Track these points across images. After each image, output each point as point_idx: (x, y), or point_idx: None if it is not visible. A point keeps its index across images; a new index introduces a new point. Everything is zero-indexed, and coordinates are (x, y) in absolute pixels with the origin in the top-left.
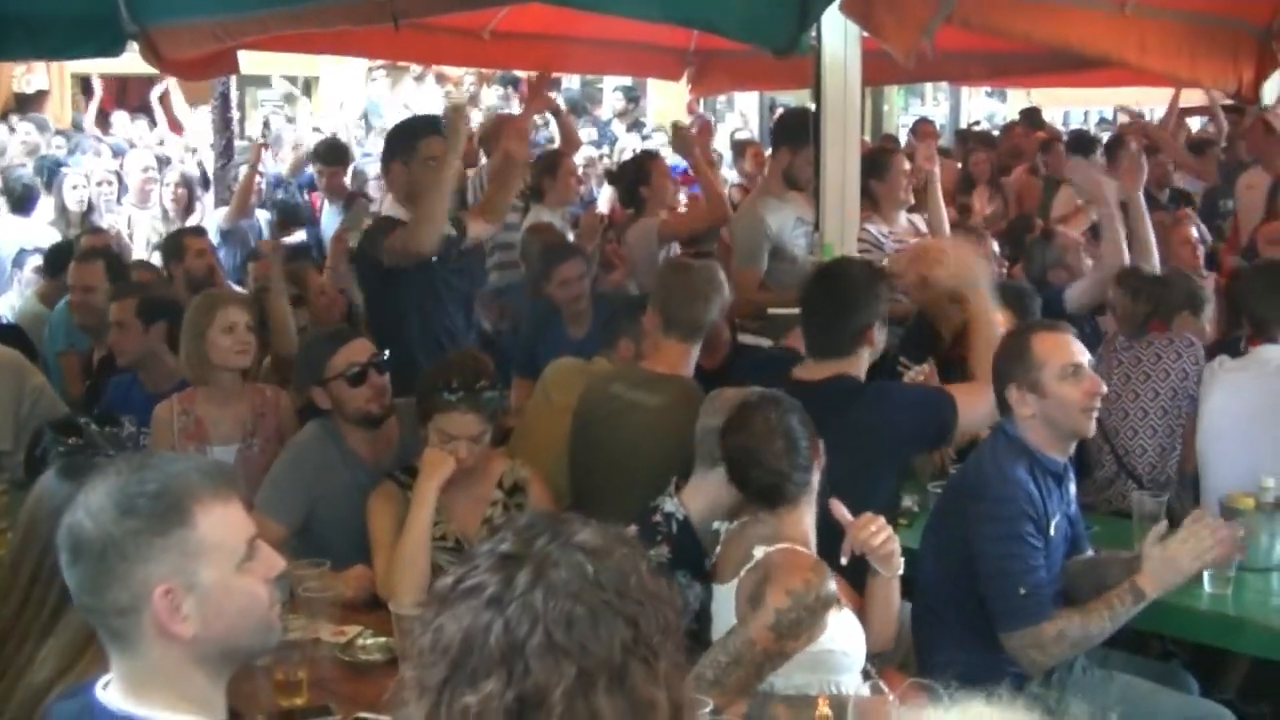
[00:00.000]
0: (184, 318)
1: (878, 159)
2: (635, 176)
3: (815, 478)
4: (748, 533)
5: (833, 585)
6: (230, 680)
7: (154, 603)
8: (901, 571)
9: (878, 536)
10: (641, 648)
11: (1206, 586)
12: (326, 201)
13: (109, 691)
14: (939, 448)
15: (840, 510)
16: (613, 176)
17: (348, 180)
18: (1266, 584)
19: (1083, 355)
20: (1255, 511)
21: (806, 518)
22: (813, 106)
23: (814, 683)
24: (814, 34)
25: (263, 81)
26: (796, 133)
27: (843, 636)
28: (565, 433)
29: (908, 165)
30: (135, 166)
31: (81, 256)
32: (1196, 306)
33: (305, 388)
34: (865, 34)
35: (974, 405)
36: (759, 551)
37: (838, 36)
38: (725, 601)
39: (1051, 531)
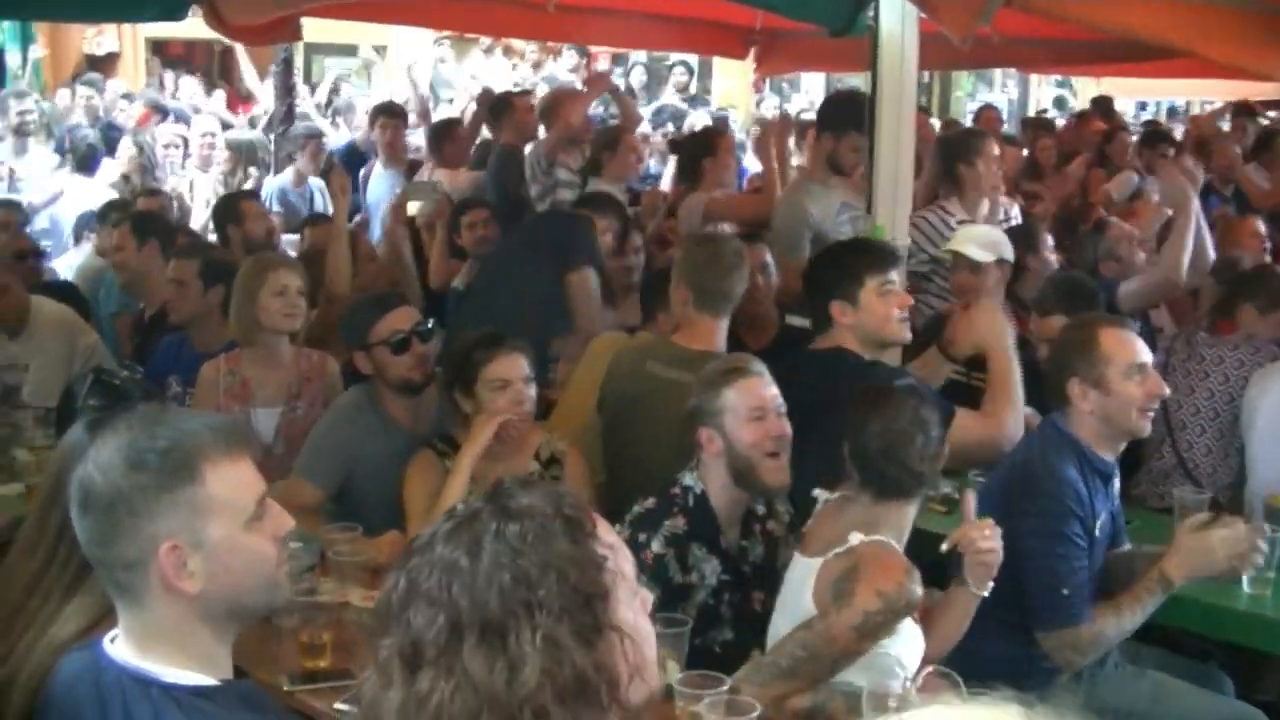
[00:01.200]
0: (235, 279)
1: (969, 142)
2: (701, 148)
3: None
4: (847, 511)
5: (919, 591)
6: (256, 641)
7: (160, 558)
8: (988, 593)
9: (985, 543)
10: (531, 608)
11: (1245, 588)
12: (380, 164)
13: (116, 645)
14: None
15: (969, 504)
16: (676, 145)
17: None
18: None
19: (1147, 355)
20: None
21: (912, 510)
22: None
23: (864, 681)
24: (871, 14)
25: (330, 50)
26: (840, 118)
27: (902, 643)
28: None
29: (997, 151)
30: (197, 132)
31: (103, 217)
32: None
33: (349, 352)
34: (923, 16)
35: (967, 429)
36: (854, 538)
37: (895, 18)
38: (806, 574)
39: (1096, 532)
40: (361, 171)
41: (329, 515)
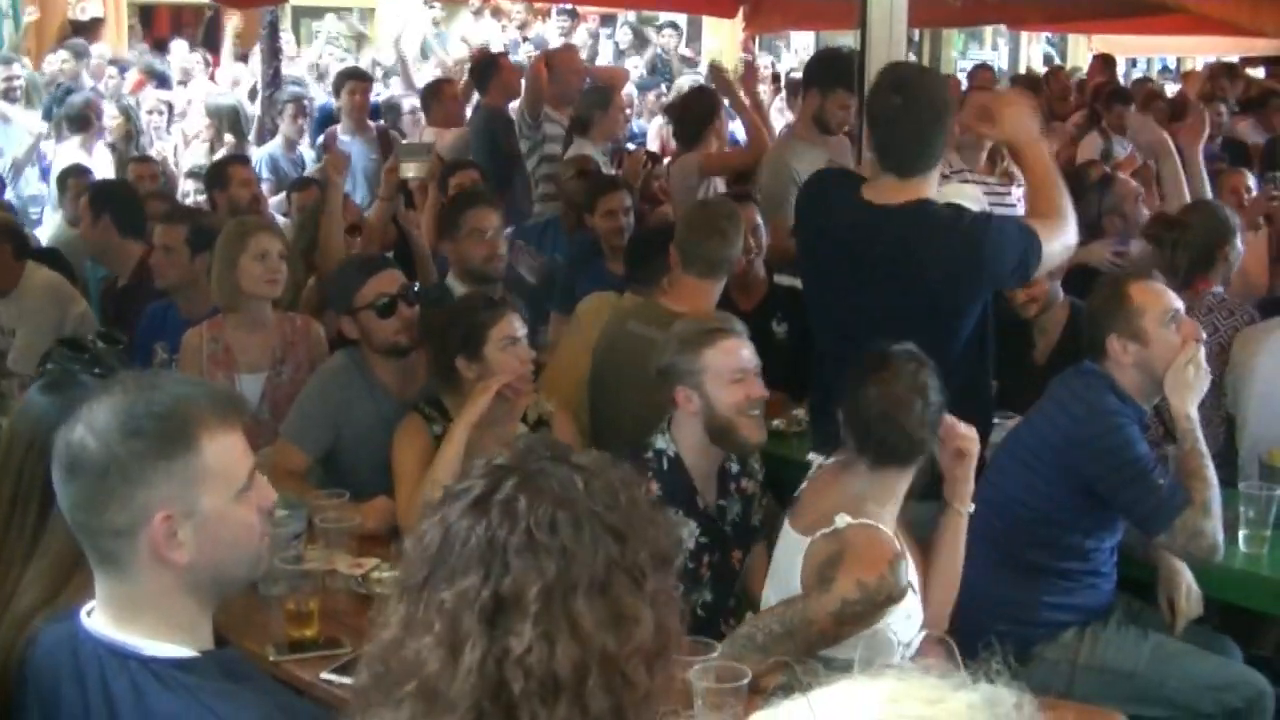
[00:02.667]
0: (216, 244)
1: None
2: (705, 112)
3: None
4: (840, 482)
5: (905, 579)
6: (242, 610)
7: (152, 527)
8: (970, 510)
9: (964, 442)
10: (628, 563)
11: (1241, 546)
12: (343, 130)
13: (94, 617)
14: (1021, 284)
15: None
16: (671, 108)
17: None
18: None
19: (1179, 302)
20: None
21: (906, 478)
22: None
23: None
24: None
25: (318, 13)
26: (827, 75)
27: (899, 622)
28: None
29: None
30: (183, 99)
31: (61, 185)
32: (1222, 243)
33: (335, 317)
34: None
35: (1053, 238)
36: (841, 520)
37: None
38: (795, 551)
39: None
40: (320, 138)
41: (316, 481)
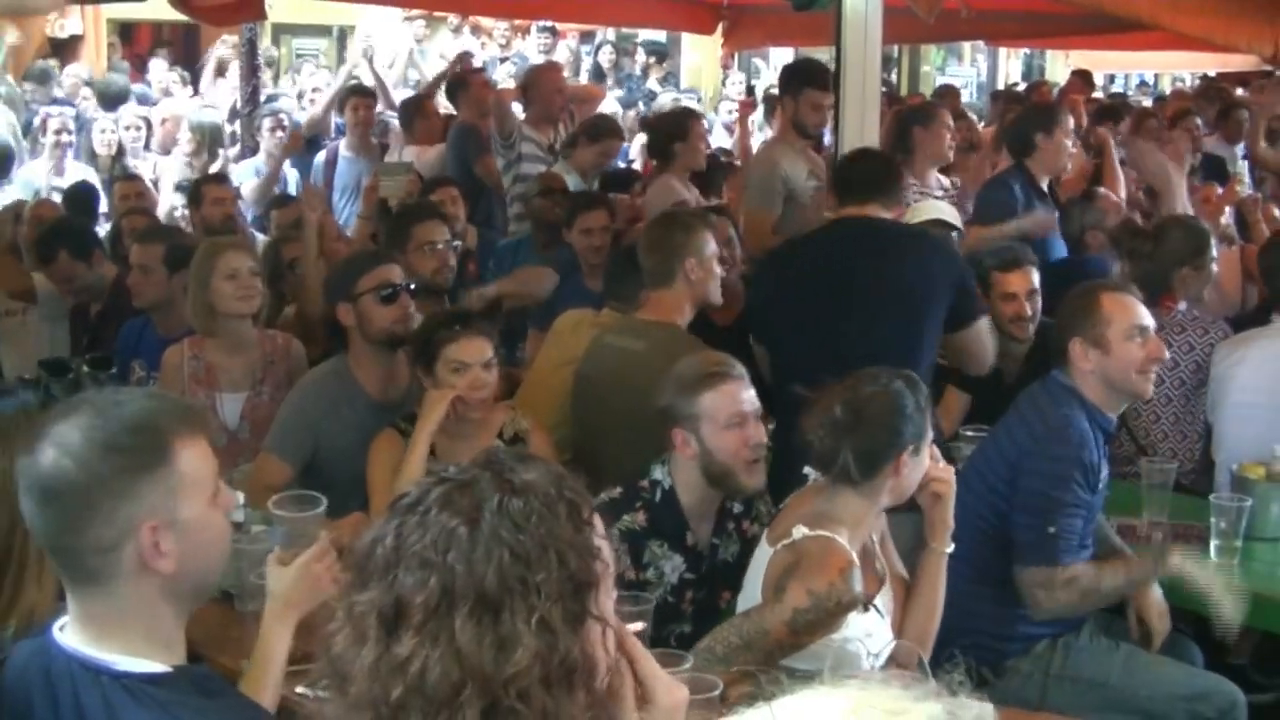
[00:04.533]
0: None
1: (925, 108)
2: (672, 130)
3: (889, 477)
4: (809, 499)
5: (858, 588)
6: (217, 626)
7: (140, 539)
8: (951, 549)
9: (940, 477)
10: (525, 587)
11: (1213, 557)
12: (347, 147)
13: (66, 633)
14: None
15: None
16: (647, 123)
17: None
18: (1275, 554)
19: (1149, 319)
20: (1265, 481)
21: (872, 502)
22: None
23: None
24: None
25: (298, 30)
26: (795, 80)
27: (861, 634)
28: (569, 385)
29: (952, 121)
30: (159, 116)
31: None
32: (1196, 257)
33: (333, 302)
34: None
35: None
36: (798, 532)
37: None
38: (759, 563)
39: (1100, 486)
40: (322, 155)
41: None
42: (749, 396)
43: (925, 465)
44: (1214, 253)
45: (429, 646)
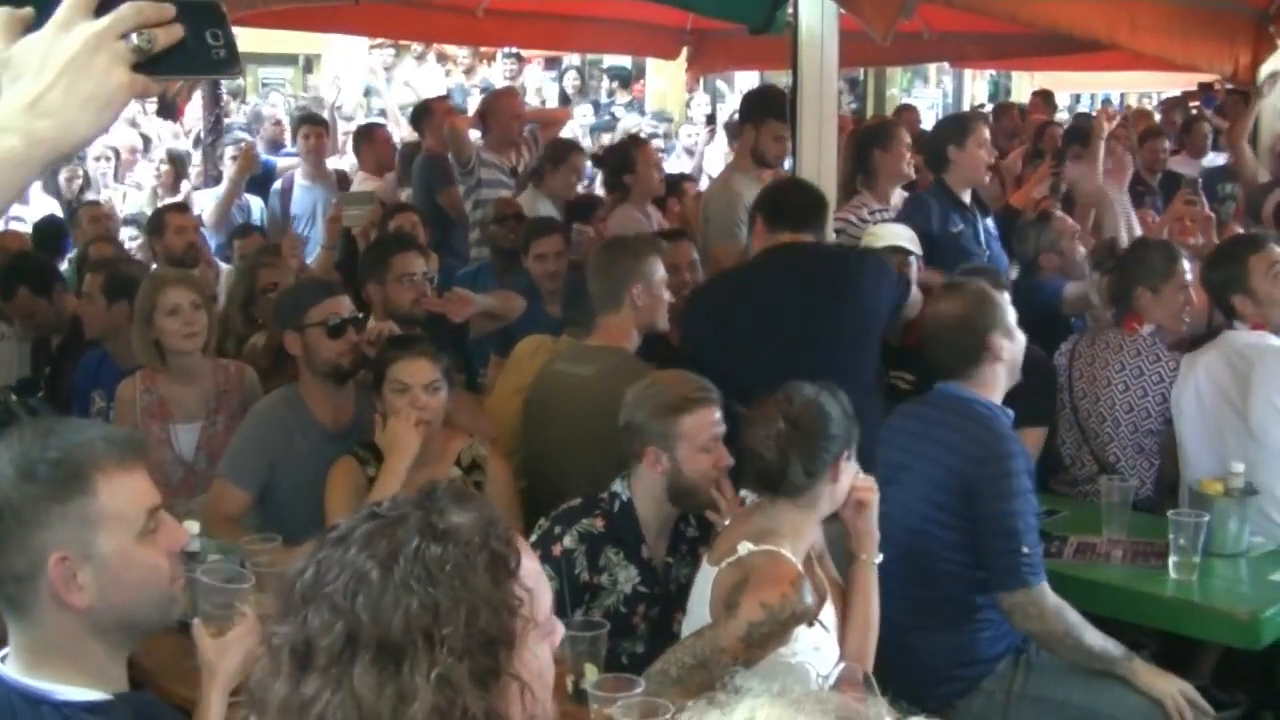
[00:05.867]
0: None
1: (884, 128)
2: (619, 163)
3: (829, 484)
4: (750, 518)
5: (809, 599)
6: (173, 655)
7: (49, 570)
8: (878, 559)
9: (863, 492)
10: (433, 642)
11: (1171, 573)
12: (303, 176)
13: (7, 663)
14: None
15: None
16: (598, 159)
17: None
18: (1234, 570)
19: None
20: (1224, 497)
21: (812, 514)
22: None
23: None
24: (790, 12)
25: (264, 59)
26: (758, 109)
27: (809, 649)
28: None
29: (909, 140)
30: (121, 144)
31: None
32: (1153, 278)
33: (280, 330)
34: (845, 13)
35: None
36: (744, 548)
37: (814, 15)
38: (704, 583)
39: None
40: (278, 184)
41: (251, 526)
42: (718, 418)
43: (854, 471)
44: (1183, 278)
45: (331, 691)
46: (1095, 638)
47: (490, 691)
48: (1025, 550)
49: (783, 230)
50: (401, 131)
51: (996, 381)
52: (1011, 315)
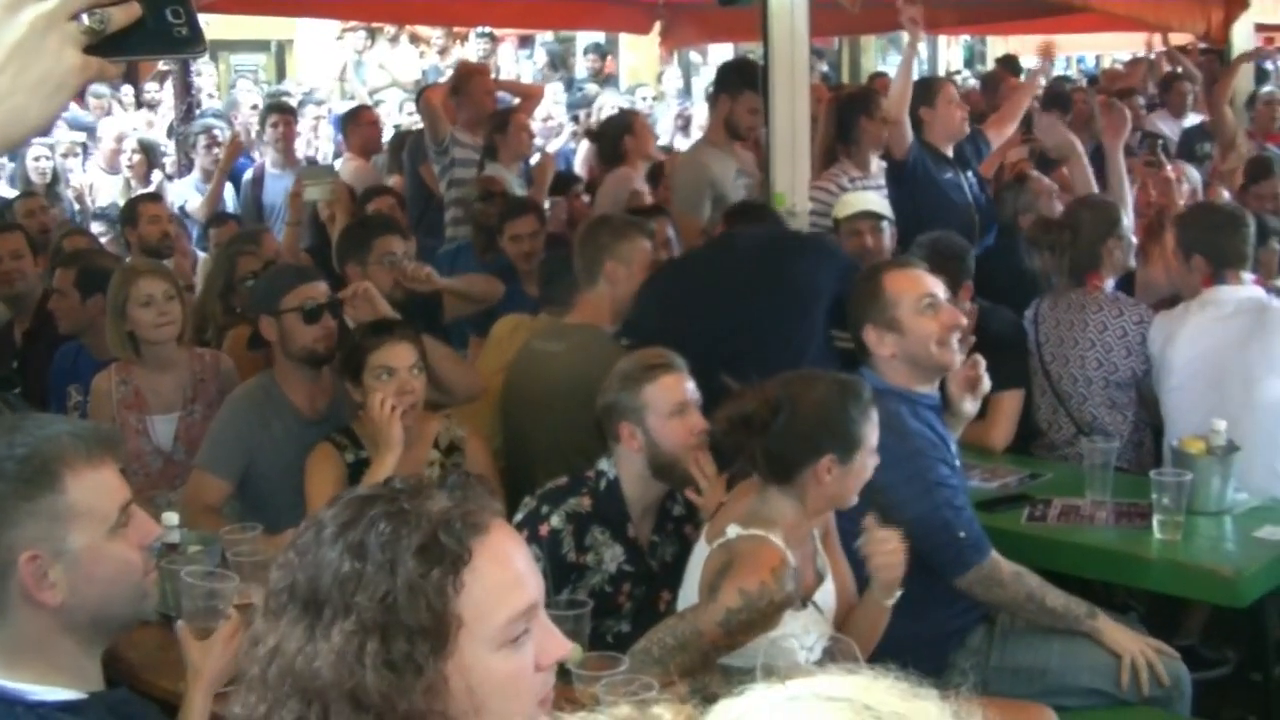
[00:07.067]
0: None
1: (868, 95)
2: (619, 129)
3: (813, 481)
4: (742, 499)
5: (790, 587)
6: (155, 647)
7: (20, 569)
8: (893, 601)
9: (883, 558)
10: (350, 607)
11: (1156, 533)
12: (272, 164)
13: None
14: None
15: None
16: (594, 134)
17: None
18: (1219, 529)
19: (938, 287)
20: (1206, 455)
21: (794, 503)
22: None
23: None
24: None
25: (237, 46)
26: (734, 80)
27: (799, 631)
28: None
29: None
30: (108, 134)
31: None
32: (1115, 228)
33: (255, 314)
34: None
35: None
36: (732, 531)
37: None
38: (696, 562)
39: (956, 462)
40: (249, 174)
41: (231, 515)
42: (690, 387)
43: (864, 474)
44: (1127, 229)
45: (271, 637)
46: (1057, 599)
47: (402, 679)
48: (962, 535)
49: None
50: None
51: (898, 371)
52: (899, 307)
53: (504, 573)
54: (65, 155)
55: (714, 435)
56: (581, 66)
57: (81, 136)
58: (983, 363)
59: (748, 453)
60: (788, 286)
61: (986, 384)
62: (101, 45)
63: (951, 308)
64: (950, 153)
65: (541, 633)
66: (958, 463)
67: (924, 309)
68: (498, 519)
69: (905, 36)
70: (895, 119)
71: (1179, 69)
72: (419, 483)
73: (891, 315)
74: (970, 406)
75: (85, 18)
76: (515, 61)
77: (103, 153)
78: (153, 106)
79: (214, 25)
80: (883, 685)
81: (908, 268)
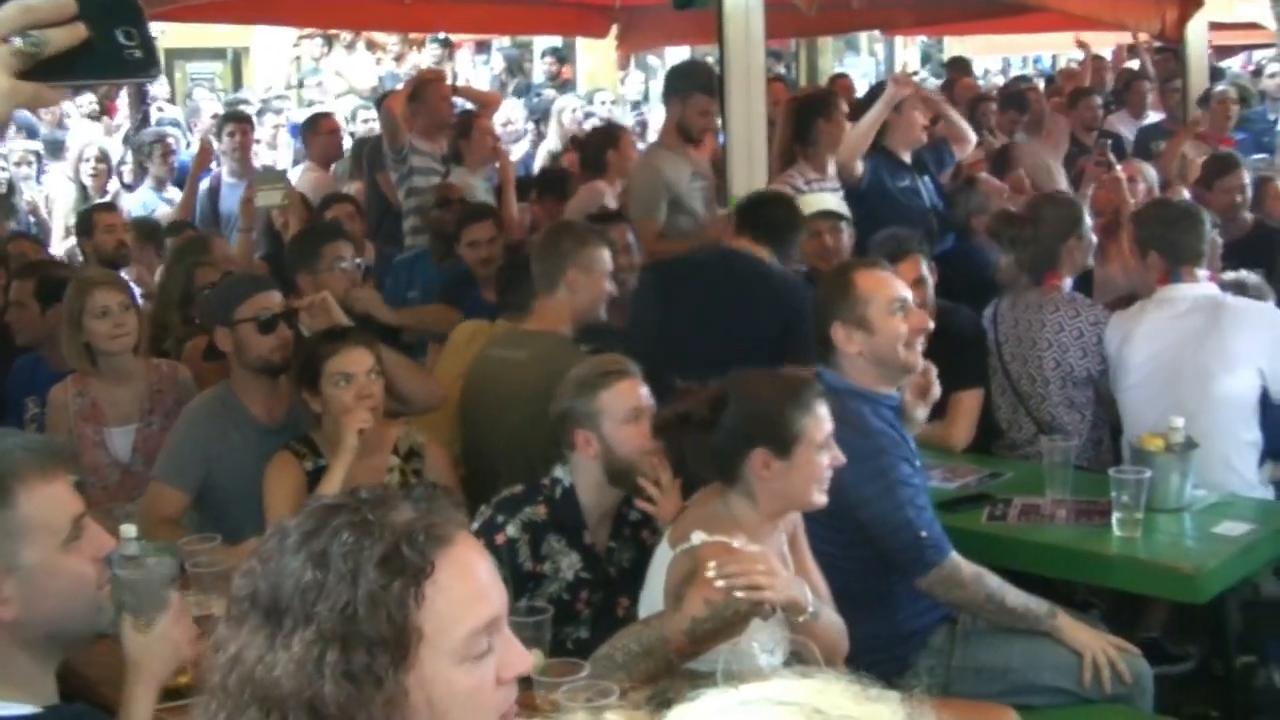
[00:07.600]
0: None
1: (827, 98)
2: (604, 141)
3: (755, 476)
4: (704, 503)
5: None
6: (115, 659)
7: None
8: (812, 609)
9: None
10: (311, 616)
11: (1115, 530)
12: (228, 173)
13: None
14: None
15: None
16: (579, 141)
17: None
18: (1178, 525)
19: (907, 291)
20: (1165, 453)
21: (754, 504)
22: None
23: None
24: None
25: (193, 54)
26: (683, 83)
27: (764, 637)
28: None
29: (847, 109)
30: (77, 144)
31: None
32: (1076, 227)
33: (209, 325)
34: None
35: None
36: (696, 538)
37: None
38: (659, 566)
39: (918, 463)
40: (206, 184)
41: (190, 526)
42: (644, 393)
43: (816, 472)
44: (1087, 229)
45: (233, 644)
46: (1017, 598)
47: (361, 690)
48: (923, 534)
49: (744, 237)
50: None
51: (863, 371)
52: (869, 305)
53: (466, 586)
54: (18, 164)
55: (654, 432)
56: (539, 71)
57: (37, 145)
58: (934, 370)
59: (689, 450)
60: (754, 322)
61: (937, 391)
62: (41, 68)
63: (920, 311)
64: (908, 159)
65: (504, 646)
66: (919, 463)
67: (895, 310)
68: (462, 531)
69: (863, 37)
70: (847, 161)
71: (1137, 66)
72: (384, 493)
73: (862, 314)
74: (921, 413)
75: (18, 40)
76: (472, 67)
77: (70, 161)
78: (109, 114)
79: (169, 34)
80: (836, 689)
81: (877, 268)
